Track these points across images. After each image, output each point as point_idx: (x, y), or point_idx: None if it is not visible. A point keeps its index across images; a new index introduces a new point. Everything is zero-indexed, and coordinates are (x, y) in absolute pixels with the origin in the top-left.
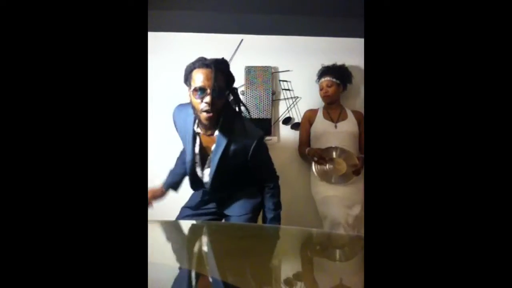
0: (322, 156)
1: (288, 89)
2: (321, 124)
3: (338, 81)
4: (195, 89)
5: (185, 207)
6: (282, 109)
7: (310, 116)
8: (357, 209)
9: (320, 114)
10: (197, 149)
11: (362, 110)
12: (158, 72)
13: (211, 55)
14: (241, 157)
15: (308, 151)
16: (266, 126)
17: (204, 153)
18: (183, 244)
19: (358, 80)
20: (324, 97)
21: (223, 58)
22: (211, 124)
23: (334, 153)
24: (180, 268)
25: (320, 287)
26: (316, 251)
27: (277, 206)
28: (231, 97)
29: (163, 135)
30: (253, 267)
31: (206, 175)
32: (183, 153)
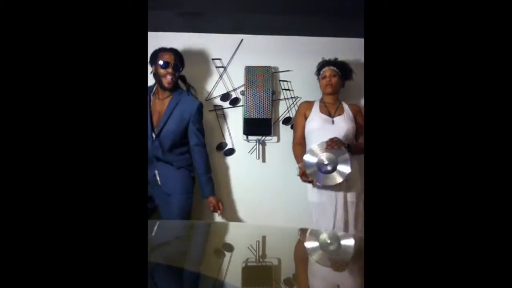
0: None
1: (288, 89)
2: (318, 118)
3: (340, 74)
4: (162, 63)
5: None
6: (282, 109)
7: (306, 108)
8: (352, 213)
9: (316, 107)
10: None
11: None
12: None
13: (211, 55)
14: (185, 120)
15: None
16: (266, 126)
17: (157, 116)
18: (182, 244)
19: (357, 80)
20: (327, 86)
21: (177, 49)
22: (170, 87)
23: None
24: (179, 268)
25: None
26: (314, 251)
27: (208, 168)
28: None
29: None
30: (252, 267)
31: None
32: None
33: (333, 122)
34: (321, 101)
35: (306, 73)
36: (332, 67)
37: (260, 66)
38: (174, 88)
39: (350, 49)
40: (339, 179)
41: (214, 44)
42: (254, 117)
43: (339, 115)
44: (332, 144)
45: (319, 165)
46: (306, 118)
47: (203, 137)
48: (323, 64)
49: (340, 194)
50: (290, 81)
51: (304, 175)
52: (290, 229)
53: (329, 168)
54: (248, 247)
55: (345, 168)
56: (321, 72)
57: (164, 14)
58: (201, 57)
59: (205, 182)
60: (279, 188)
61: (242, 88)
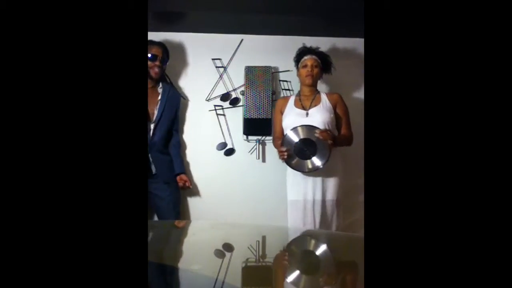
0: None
1: (288, 89)
2: (291, 113)
3: (321, 65)
4: (150, 56)
5: None
6: None
7: (282, 105)
8: (331, 211)
9: (291, 103)
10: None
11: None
12: None
13: (211, 55)
14: (174, 108)
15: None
16: (266, 126)
17: (150, 106)
18: (182, 244)
19: (357, 79)
20: (307, 76)
21: (163, 43)
22: (158, 78)
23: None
24: (179, 268)
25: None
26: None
27: (180, 149)
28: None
29: None
30: (252, 267)
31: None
32: None
33: (307, 114)
34: (297, 95)
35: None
36: (314, 57)
37: (260, 66)
38: (159, 79)
39: (350, 49)
40: (307, 169)
41: (214, 44)
42: (254, 117)
43: (315, 106)
44: (324, 135)
45: (297, 146)
46: (282, 114)
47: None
48: (304, 52)
49: (319, 193)
50: (290, 81)
51: (280, 152)
52: (290, 229)
53: (305, 153)
54: (248, 247)
55: (317, 162)
56: (302, 60)
57: (164, 13)
58: (201, 57)
59: (180, 161)
60: (279, 188)
61: (242, 88)
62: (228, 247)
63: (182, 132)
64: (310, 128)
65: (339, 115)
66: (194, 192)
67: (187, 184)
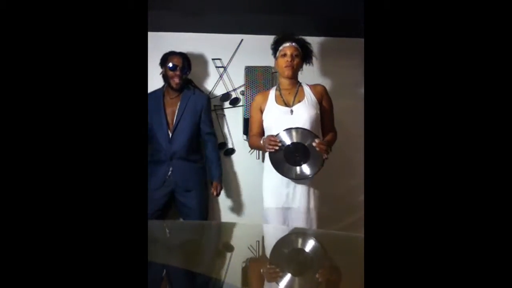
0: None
1: None
2: (274, 111)
3: (302, 54)
4: (171, 65)
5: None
6: None
7: (261, 101)
8: (311, 219)
9: (272, 98)
10: (164, 113)
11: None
12: (158, 72)
13: (211, 55)
14: (197, 113)
15: (264, 141)
16: None
17: (171, 115)
18: (182, 244)
19: (356, 79)
20: (287, 67)
21: (185, 53)
22: (178, 87)
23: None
24: (179, 268)
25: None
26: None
27: (218, 154)
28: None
29: None
30: (248, 267)
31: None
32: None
33: (292, 112)
34: (277, 88)
35: (305, 73)
36: (294, 45)
37: (260, 66)
38: (181, 88)
39: (350, 49)
40: (294, 175)
41: (214, 44)
42: None
43: (299, 101)
44: (322, 147)
45: (288, 149)
46: (262, 112)
47: (213, 127)
48: (283, 39)
49: (298, 201)
50: None
51: (272, 141)
52: (290, 229)
53: (295, 158)
54: (248, 247)
55: (307, 170)
56: (280, 48)
57: (164, 14)
58: (201, 57)
59: (215, 168)
60: None
61: (242, 88)
62: (228, 247)
63: None
64: (306, 134)
65: (324, 109)
66: None
67: (215, 192)
